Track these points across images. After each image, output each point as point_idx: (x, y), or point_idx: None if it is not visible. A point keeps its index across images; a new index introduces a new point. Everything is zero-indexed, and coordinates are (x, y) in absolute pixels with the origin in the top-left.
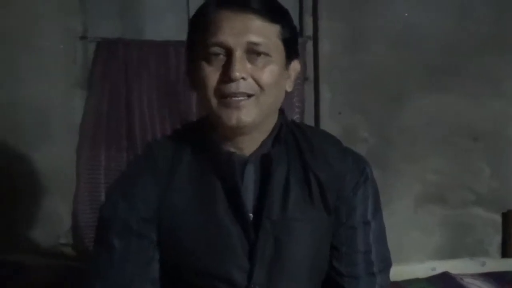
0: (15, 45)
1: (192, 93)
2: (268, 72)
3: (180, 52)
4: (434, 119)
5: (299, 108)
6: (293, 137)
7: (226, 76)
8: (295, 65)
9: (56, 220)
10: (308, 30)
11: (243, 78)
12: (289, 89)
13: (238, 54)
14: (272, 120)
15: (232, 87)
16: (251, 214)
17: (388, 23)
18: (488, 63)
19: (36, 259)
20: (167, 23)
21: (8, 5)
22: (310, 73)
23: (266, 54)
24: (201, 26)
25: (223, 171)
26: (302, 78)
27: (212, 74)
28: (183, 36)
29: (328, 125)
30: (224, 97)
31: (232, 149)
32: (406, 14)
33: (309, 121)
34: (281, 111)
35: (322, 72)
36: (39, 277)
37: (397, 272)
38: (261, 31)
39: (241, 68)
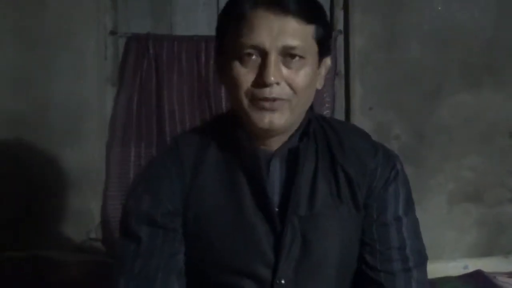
0: (48, 44)
1: (221, 88)
2: (303, 76)
3: (211, 47)
4: (470, 116)
5: (329, 103)
6: (323, 131)
7: (260, 80)
8: (327, 61)
9: (87, 216)
10: (339, 25)
11: (277, 83)
12: (319, 86)
13: (273, 57)
14: (300, 119)
15: (266, 91)
16: (277, 209)
17: (423, 19)
18: None
19: (67, 254)
20: (197, 18)
21: (40, 6)
22: (341, 68)
23: (301, 57)
24: (234, 22)
25: (248, 165)
26: (333, 73)
27: (245, 76)
28: (213, 31)
29: (359, 121)
30: (256, 99)
31: (258, 144)
32: (441, 9)
33: (340, 116)
34: (309, 106)
35: (354, 67)
36: (70, 273)
37: (429, 270)
38: (297, 33)
39: (276, 72)
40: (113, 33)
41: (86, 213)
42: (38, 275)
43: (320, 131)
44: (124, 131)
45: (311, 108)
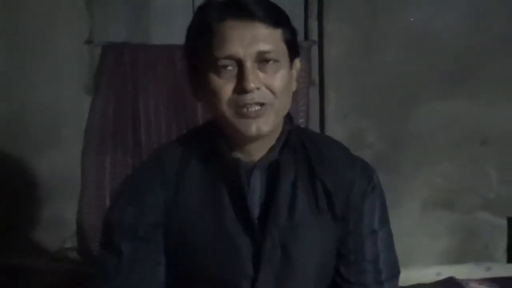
0: (24, 50)
1: None
2: (280, 78)
3: None
4: (444, 124)
5: (304, 112)
6: (301, 143)
7: (239, 88)
8: (297, 63)
9: (62, 224)
10: (313, 34)
11: (257, 88)
12: (294, 88)
13: (249, 64)
14: (281, 124)
15: (247, 98)
16: (256, 221)
17: (398, 27)
18: (501, 68)
19: (41, 263)
20: (174, 27)
21: (18, 10)
22: (315, 77)
23: (276, 60)
24: (203, 37)
25: (229, 177)
26: (307, 82)
27: (224, 87)
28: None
29: (334, 129)
30: (239, 107)
31: (239, 155)
32: (417, 18)
33: (315, 124)
34: (289, 116)
35: (328, 76)
36: (45, 281)
37: (402, 277)
38: (268, 38)
39: (254, 78)
40: (89, 41)
41: (61, 221)
42: (13, 284)
43: (299, 142)
44: (100, 139)
45: (291, 119)
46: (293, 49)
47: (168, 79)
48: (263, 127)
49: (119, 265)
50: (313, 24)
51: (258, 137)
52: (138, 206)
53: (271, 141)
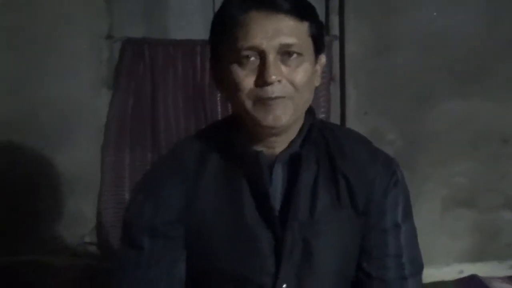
0: (41, 46)
1: (217, 92)
2: (302, 72)
3: (206, 51)
4: (462, 122)
5: (325, 108)
6: (323, 137)
7: (261, 80)
8: (322, 59)
9: (81, 220)
10: (335, 30)
11: (278, 81)
12: (317, 83)
13: (272, 57)
14: (302, 118)
15: (268, 90)
16: (277, 215)
17: (415, 26)
18: None
19: (61, 258)
20: (193, 23)
21: (35, 7)
22: (336, 72)
23: (299, 54)
24: (227, 29)
25: (250, 171)
26: (328, 77)
27: (245, 78)
28: (209, 35)
29: (354, 125)
30: (259, 99)
31: (260, 148)
32: (434, 17)
33: (335, 121)
34: (311, 110)
35: (349, 73)
36: (65, 277)
37: (424, 274)
38: (292, 31)
39: (276, 71)
40: (109, 37)
41: (81, 217)
42: (33, 280)
43: (321, 136)
44: (119, 135)
45: (313, 112)
46: (319, 44)
47: (187, 74)
48: (282, 117)
49: (138, 260)
50: (334, 20)
51: (275, 128)
52: (157, 202)
53: (292, 134)
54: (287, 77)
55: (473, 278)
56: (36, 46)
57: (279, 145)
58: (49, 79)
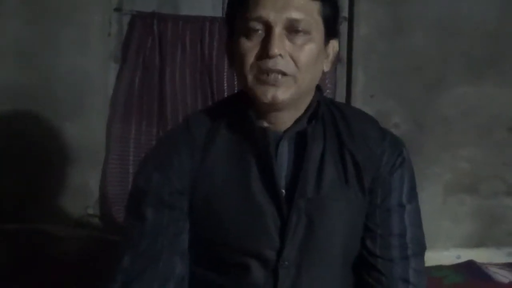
0: (53, 17)
1: (223, 69)
2: (307, 51)
3: (215, 28)
4: (470, 108)
5: (331, 89)
6: (331, 115)
7: (264, 52)
8: (334, 44)
9: (86, 191)
10: (344, 11)
11: (280, 56)
12: (326, 69)
13: (278, 30)
14: (309, 97)
15: (269, 63)
16: (283, 191)
17: (428, 9)
18: None
19: (64, 229)
20: (202, 0)
21: None
22: (343, 54)
23: (306, 32)
24: (240, 1)
25: (257, 146)
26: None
27: (250, 50)
28: (218, 12)
29: (360, 108)
30: (260, 73)
31: (267, 125)
32: (448, 0)
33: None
34: (318, 88)
35: (357, 55)
36: (66, 247)
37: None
38: (302, 7)
39: (280, 45)
40: (118, 9)
41: (85, 188)
42: (34, 248)
43: (329, 114)
44: (125, 109)
45: (321, 90)
46: (331, 27)
47: (195, 50)
48: (280, 96)
49: (143, 231)
50: (344, 0)
51: (273, 105)
52: (164, 172)
53: (299, 111)
54: (290, 54)
55: (470, 263)
56: (48, 17)
57: (284, 122)
58: (60, 50)
